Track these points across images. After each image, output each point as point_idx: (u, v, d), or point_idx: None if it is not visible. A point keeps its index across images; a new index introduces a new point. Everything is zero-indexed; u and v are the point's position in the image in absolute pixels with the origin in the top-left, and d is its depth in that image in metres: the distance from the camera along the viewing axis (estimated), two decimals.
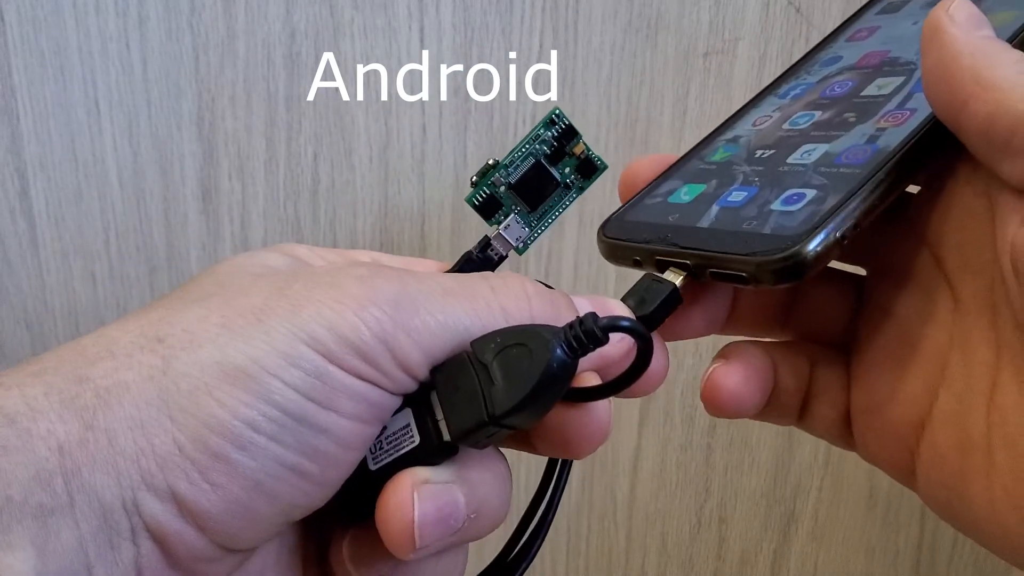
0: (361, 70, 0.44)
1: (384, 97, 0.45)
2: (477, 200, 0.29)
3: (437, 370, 0.23)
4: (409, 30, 0.44)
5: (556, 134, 0.30)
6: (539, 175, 0.30)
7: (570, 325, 0.22)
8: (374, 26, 0.43)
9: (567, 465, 0.29)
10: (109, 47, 0.40)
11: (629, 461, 0.56)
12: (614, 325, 0.22)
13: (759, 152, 0.30)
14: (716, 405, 0.28)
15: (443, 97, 0.46)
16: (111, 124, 0.41)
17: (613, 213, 0.30)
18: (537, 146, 0.30)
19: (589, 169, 0.31)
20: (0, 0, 0.38)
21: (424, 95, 0.45)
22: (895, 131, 0.27)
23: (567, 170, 0.31)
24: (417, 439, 0.23)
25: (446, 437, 0.23)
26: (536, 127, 0.30)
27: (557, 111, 0.30)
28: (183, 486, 0.20)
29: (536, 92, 0.47)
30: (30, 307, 0.42)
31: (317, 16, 0.42)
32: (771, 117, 0.31)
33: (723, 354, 0.28)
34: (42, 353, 0.22)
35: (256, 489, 0.21)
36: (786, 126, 0.30)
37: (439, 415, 0.23)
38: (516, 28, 0.46)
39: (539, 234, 0.31)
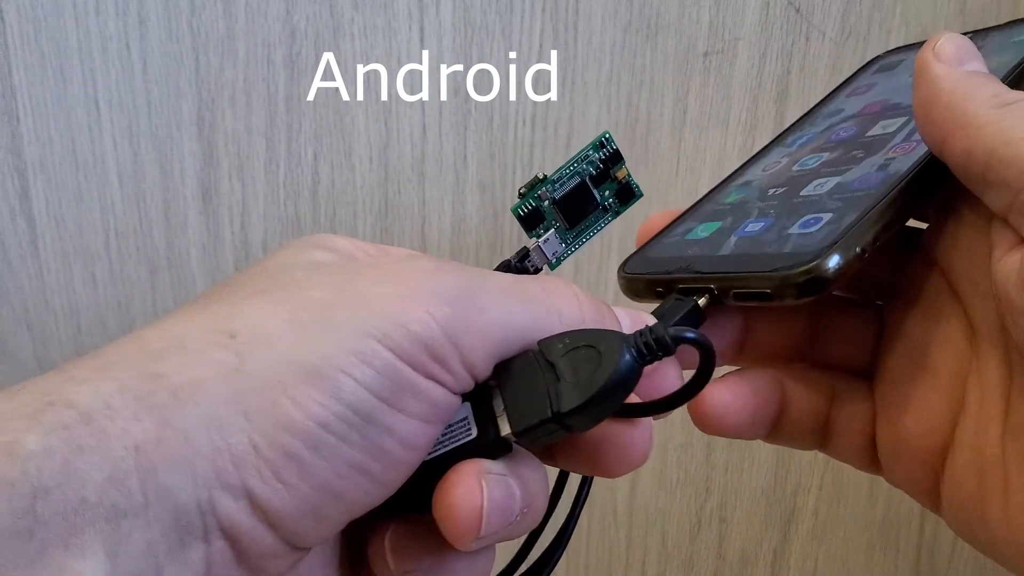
0: (361, 70, 0.44)
1: (384, 97, 0.45)
2: (523, 211, 0.30)
3: (500, 367, 0.24)
4: (409, 30, 0.44)
5: (604, 156, 0.31)
6: (582, 195, 0.31)
7: (640, 332, 0.23)
8: (374, 26, 0.43)
9: (590, 480, 0.29)
10: (109, 47, 0.40)
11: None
12: (682, 336, 0.22)
13: (772, 190, 0.30)
14: (698, 419, 0.28)
15: (443, 97, 0.46)
16: (111, 124, 0.41)
17: (632, 254, 0.30)
18: (584, 166, 0.30)
19: (627, 195, 0.32)
20: (0, 0, 0.38)
21: (424, 95, 0.45)
22: (904, 158, 0.27)
23: (607, 193, 0.31)
24: (474, 432, 0.24)
25: (504, 432, 0.23)
26: (586, 148, 0.31)
27: (607, 135, 0.31)
28: (257, 485, 0.20)
29: (536, 92, 0.47)
30: (31, 307, 0.42)
31: (317, 16, 0.42)
32: (780, 163, 0.32)
33: (726, 374, 0.29)
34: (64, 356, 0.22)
35: (325, 489, 0.21)
36: (796, 168, 0.31)
37: (498, 411, 0.24)
38: (516, 28, 0.46)
39: (572, 252, 0.31)
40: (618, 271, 0.30)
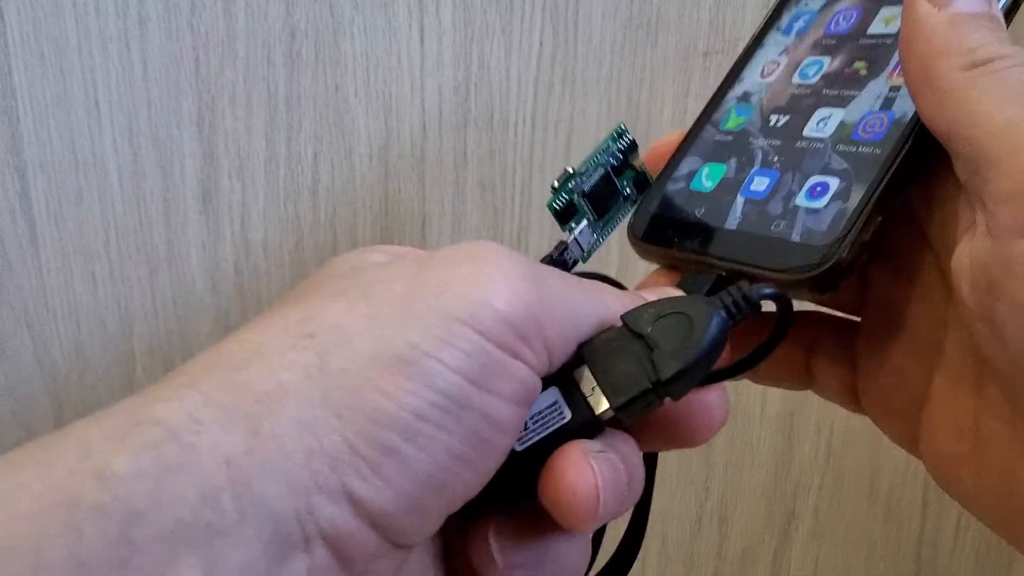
0: (361, 70, 0.44)
1: (384, 96, 0.45)
2: (557, 205, 0.30)
3: (585, 346, 0.24)
4: (409, 29, 0.44)
5: (622, 147, 0.31)
6: (607, 185, 0.31)
7: (726, 292, 0.23)
8: (374, 26, 0.43)
9: (655, 460, 0.29)
10: (109, 47, 0.40)
11: None
12: (765, 293, 0.23)
13: (773, 118, 0.29)
14: None
15: (443, 96, 0.46)
16: (111, 124, 0.41)
17: (638, 207, 0.30)
18: (607, 157, 0.31)
19: (644, 184, 0.32)
20: (0, 0, 0.38)
21: (424, 94, 0.45)
22: (907, 97, 0.26)
23: (626, 183, 0.32)
24: (568, 415, 0.24)
25: (598, 411, 0.23)
26: (606, 139, 0.31)
27: (622, 125, 0.31)
28: (356, 484, 0.19)
29: (536, 91, 0.47)
30: (30, 307, 0.42)
31: (317, 16, 0.42)
32: (778, 64, 0.31)
33: None
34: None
35: (426, 481, 0.20)
36: (796, 80, 0.30)
37: (587, 391, 0.24)
38: (516, 28, 0.46)
39: (601, 243, 0.32)
40: (628, 230, 0.30)
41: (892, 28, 0.28)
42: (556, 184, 0.30)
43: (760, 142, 0.29)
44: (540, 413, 0.24)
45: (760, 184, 0.28)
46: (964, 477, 0.25)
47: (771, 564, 0.62)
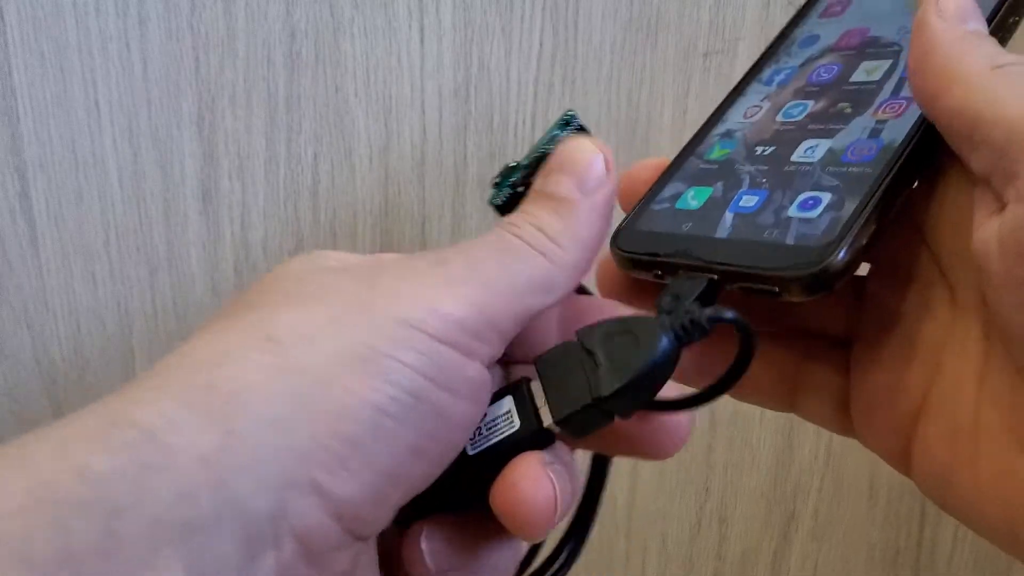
0: (361, 70, 0.44)
1: (384, 97, 0.45)
2: (499, 200, 0.29)
3: (540, 360, 0.24)
4: (409, 30, 0.44)
5: (570, 135, 0.30)
6: None
7: (676, 314, 0.23)
8: (374, 26, 0.43)
9: (608, 462, 0.30)
10: (109, 47, 0.40)
11: (629, 461, 0.56)
12: (720, 316, 0.23)
13: (759, 149, 0.30)
14: None
15: (443, 97, 0.46)
16: (111, 124, 0.41)
17: (622, 224, 0.30)
18: (553, 146, 0.30)
19: None
20: (0, 0, 0.38)
21: (424, 95, 0.45)
22: (896, 124, 0.27)
23: None
24: (517, 424, 0.24)
25: (547, 423, 0.24)
26: (551, 128, 0.31)
27: (570, 112, 0.31)
28: (324, 477, 0.20)
29: (536, 92, 0.47)
30: (30, 307, 0.42)
31: (317, 16, 0.42)
32: (761, 107, 0.31)
33: None
34: (155, 366, 0.22)
35: (387, 473, 0.21)
36: (780, 118, 0.30)
37: (540, 402, 0.24)
38: (516, 28, 0.46)
39: None
40: (611, 243, 0.29)
41: (875, 76, 0.29)
42: (497, 179, 0.29)
43: (747, 168, 0.29)
44: (494, 420, 0.24)
45: (749, 201, 0.28)
46: (962, 483, 0.25)
47: (770, 565, 0.62)
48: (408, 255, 0.25)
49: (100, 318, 0.43)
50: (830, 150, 0.28)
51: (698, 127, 0.32)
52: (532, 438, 0.24)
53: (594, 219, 0.26)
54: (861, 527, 0.63)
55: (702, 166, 0.30)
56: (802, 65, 0.32)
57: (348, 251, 0.26)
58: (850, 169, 0.27)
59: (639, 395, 0.23)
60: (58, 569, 0.17)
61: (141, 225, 0.43)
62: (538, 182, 0.27)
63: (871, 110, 0.28)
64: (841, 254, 0.24)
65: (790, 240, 0.26)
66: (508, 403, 0.25)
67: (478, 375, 0.23)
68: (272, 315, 0.22)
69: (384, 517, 0.22)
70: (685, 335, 0.23)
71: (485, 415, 0.24)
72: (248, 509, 0.19)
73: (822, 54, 0.32)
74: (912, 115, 0.27)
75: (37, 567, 0.17)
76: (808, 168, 0.28)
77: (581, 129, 0.31)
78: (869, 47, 0.31)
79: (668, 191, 0.30)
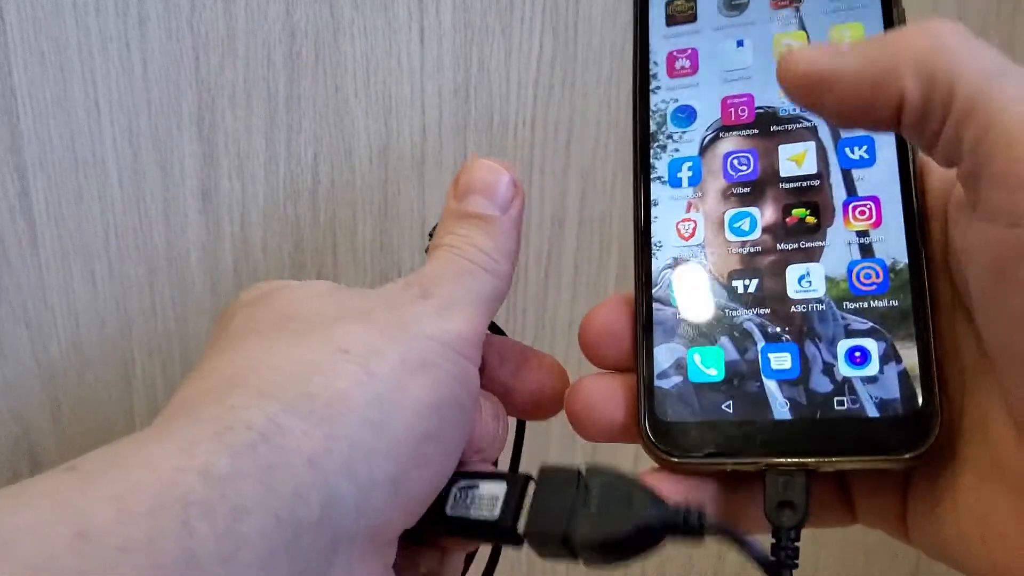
0: (361, 71, 0.44)
1: (384, 97, 0.45)
2: None
3: (545, 469, 0.25)
4: (409, 30, 0.44)
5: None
6: None
7: (678, 509, 0.23)
8: (374, 26, 0.43)
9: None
10: (109, 47, 0.40)
11: (629, 461, 0.56)
12: (721, 529, 0.22)
13: (738, 285, 0.27)
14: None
15: (443, 97, 0.46)
16: (111, 124, 0.41)
17: (643, 414, 0.27)
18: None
19: None
20: (1, 0, 0.38)
21: (424, 96, 0.45)
22: (883, 236, 0.26)
23: None
24: (497, 514, 0.25)
25: (520, 528, 0.24)
26: None
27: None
28: (402, 473, 0.22)
29: (536, 94, 0.47)
30: (30, 307, 0.42)
31: (317, 16, 0.42)
32: (694, 222, 0.28)
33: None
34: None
35: (438, 468, 0.24)
36: (732, 237, 0.27)
37: (526, 505, 0.25)
38: (516, 28, 0.46)
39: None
40: (647, 450, 0.27)
41: (808, 167, 0.27)
42: (431, 232, 0.30)
43: (743, 314, 0.27)
44: (483, 496, 0.25)
45: (782, 361, 0.26)
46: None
47: None
48: (370, 290, 0.27)
49: (100, 317, 0.43)
50: (829, 279, 0.26)
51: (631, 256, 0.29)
52: (503, 534, 0.25)
53: (514, 233, 0.28)
54: (860, 528, 0.63)
55: (686, 323, 0.27)
56: (702, 153, 0.28)
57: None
58: (873, 304, 0.25)
59: (608, 555, 0.23)
60: (184, 571, 0.18)
61: (141, 225, 0.43)
62: (454, 204, 0.29)
63: (838, 217, 0.26)
64: (937, 418, 0.23)
65: (872, 411, 0.24)
66: (501, 489, 0.25)
67: (477, 380, 0.26)
68: (329, 333, 0.24)
69: (417, 512, 0.24)
70: (677, 529, 0.22)
71: (477, 487, 0.25)
72: (342, 507, 0.21)
73: (717, 134, 0.28)
74: (889, 218, 0.26)
75: (163, 568, 0.17)
76: (821, 307, 0.26)
77: None
78: (772, 124, 0.28)
79: (664, 358, 0.27)
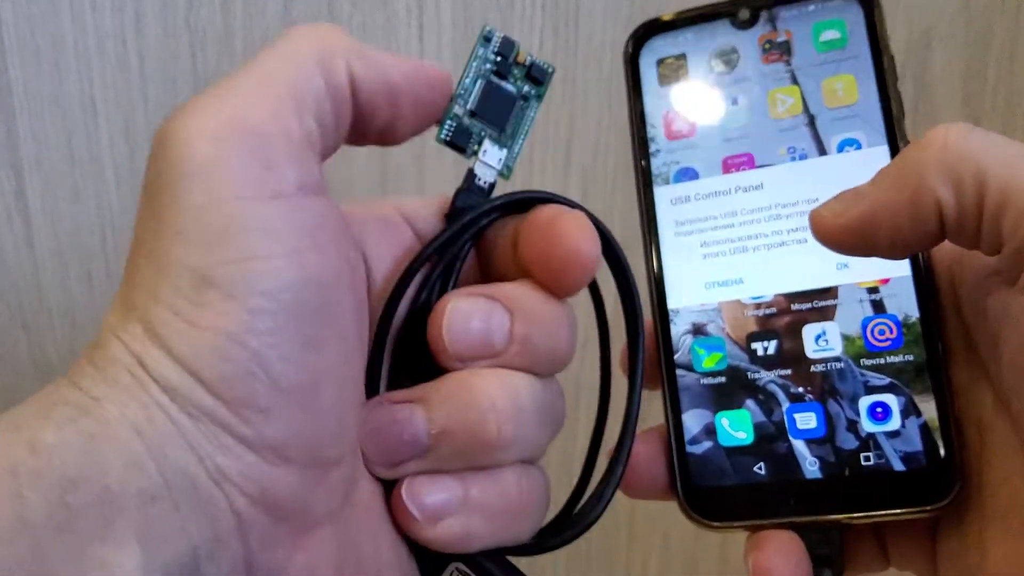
0: None
1: None
2: (445, 135, 0.29)
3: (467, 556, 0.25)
4: (408, 27, 0.44)
5: (496, 49, 0.30)
6: (495, 94, 0.30)
7: None
8: (373, 23, 0.43)
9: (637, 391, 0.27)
10: (106, 44, 0.40)
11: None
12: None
13: (758, 347, 0.28)
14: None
15: None
16: (107, 122, 0.41)
17: (678, 482, 0.28)
18: (483, 65, 0.29)
19: (539, 74, 0.30)
20: None
21: None
22: (889, 290, 0.26)
23: (518, 82, 0.30)
24: None
25: None
26: (474, 50, 0.29)
27: (487, 28, 0.30)
28: (243, 429, 0.20)
29: None
30: (26, 305, 0.42)
31: (315, 13, 0.42)
32: (693, 279, 0.29)
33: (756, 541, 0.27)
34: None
35: (302, 393, 0.21)
36: (746, 299, 0.28)
37: None
38: (516, 26, 0.45)
39: (517, 152, 0.30)
40: (684, 512, 0.28)
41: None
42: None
43: (766, 375, 0.27)
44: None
45: (807, 421, 0.26)
46: None
47: None
48: None
49: (96, 316, 0.43)
50: (846, 337, 0.27)
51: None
52: None
53: None
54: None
55: (705, 382, 0.28)
56: (706, 206, 0.29)
57: None
58: (889, 359, 0.26)
59: None
60: (16, 536, 0.18)
61: None
62: None
63: (848, 280, 0.27)
64: (959, 469, 0.24)
65: (897, 465, 0.25)
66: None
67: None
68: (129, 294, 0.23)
69: (328, 430, 0.22)
70: None
71: None
72: (190, 474, 0.20)
73: (714, 191, 0.29)
74: (903, 278, 0.26)
75: None
76: (840, 365, 0.27)
77: (506, 40, 0.29)
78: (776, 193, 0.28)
79: (693, 424, 0.28)
